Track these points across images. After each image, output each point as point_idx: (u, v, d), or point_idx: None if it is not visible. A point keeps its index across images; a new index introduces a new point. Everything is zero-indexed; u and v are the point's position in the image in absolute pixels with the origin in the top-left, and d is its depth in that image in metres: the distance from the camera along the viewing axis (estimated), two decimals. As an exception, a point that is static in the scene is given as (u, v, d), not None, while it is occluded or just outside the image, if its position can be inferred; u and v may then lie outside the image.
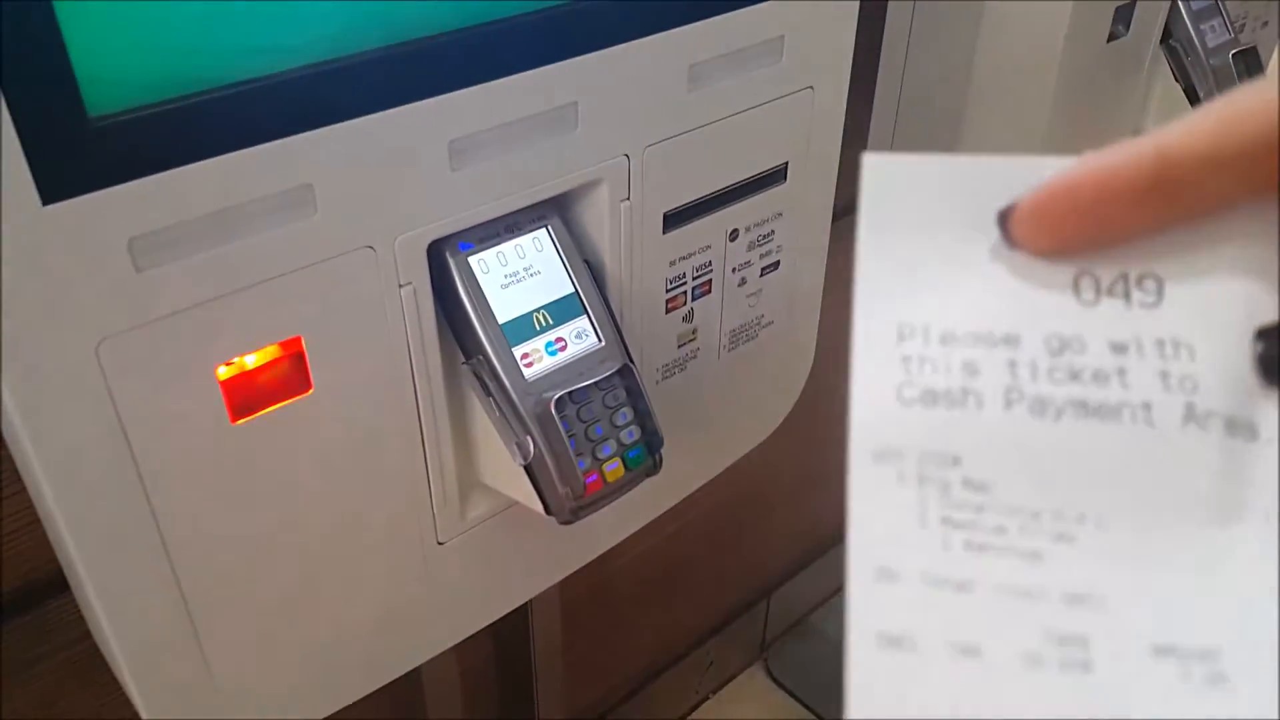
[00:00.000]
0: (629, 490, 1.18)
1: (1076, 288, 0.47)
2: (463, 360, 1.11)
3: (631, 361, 1.17)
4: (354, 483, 1.10)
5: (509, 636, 2.10)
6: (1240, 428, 0.45)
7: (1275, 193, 0.47)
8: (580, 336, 1.15)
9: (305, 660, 1.17)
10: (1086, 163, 0.46)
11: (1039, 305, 0.47)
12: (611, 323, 1.16)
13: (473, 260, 1.09)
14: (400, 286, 1.03)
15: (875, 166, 0.49)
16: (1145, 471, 0.45)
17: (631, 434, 1.18)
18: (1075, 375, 0.46)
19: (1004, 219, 0.48)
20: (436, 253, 1.07)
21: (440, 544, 1.22)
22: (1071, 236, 0.47)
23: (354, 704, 1.26)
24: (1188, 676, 0.42)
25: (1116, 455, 0.45)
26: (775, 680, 2.92)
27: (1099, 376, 0.46)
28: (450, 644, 1.32)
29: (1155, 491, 0.45)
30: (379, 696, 1.91)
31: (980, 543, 0.44)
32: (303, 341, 0.99)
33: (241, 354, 0.95)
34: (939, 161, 0.49)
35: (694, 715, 2.80)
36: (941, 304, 0.48)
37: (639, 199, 1.18)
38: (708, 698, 2.84)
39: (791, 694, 2.88)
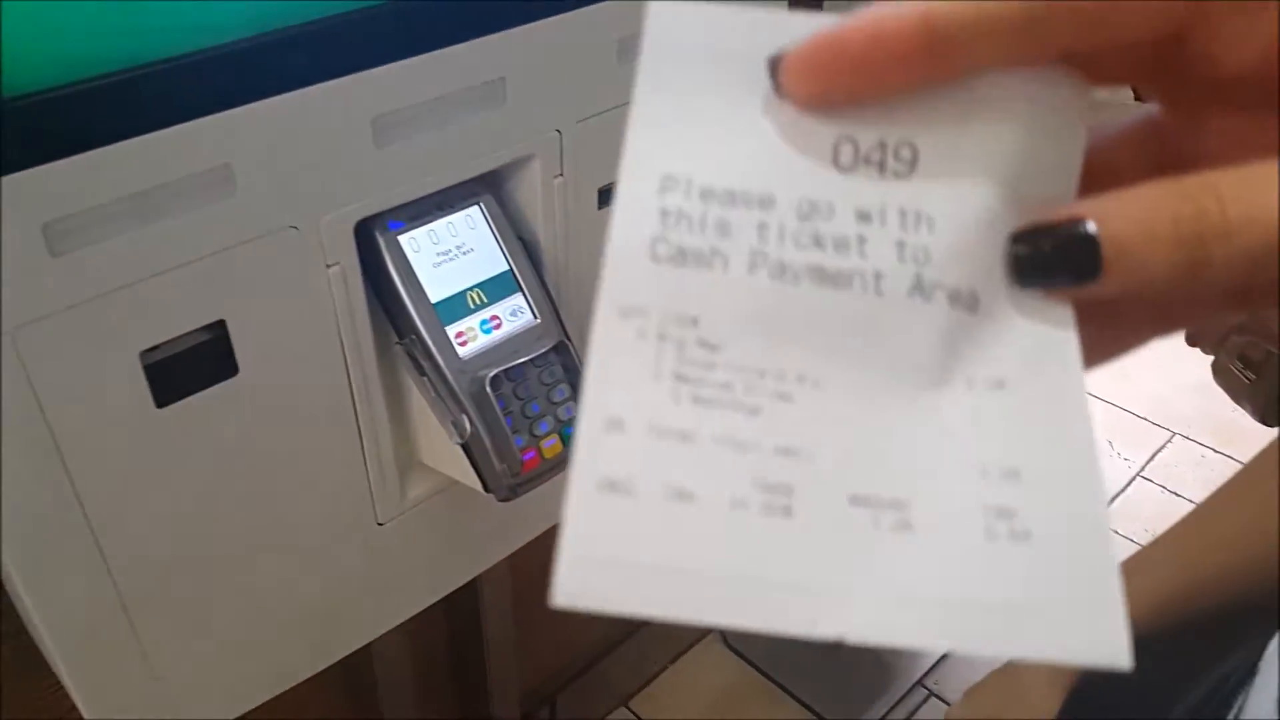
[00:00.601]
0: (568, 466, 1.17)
1: (835, 153, 0.48)
2: (395, 340, 1.10)
3: (568, 338, 1.16)
4: (288, 467, 1.08)
5: (461, 614, 2.09)
6: (962, 300, 0.47)
7: (1041, 64, 0.48)
8: (515, 314, 1.14)
9: (249, 644, 1.16)
10: (859, 16, 0.46)
11: (796, 168, 0.48)
12: (548, 300, 1.15)
13: (403, 239, 1.07)
14: (328, 267, 1.01)
15: (660, 12, 0.49)
16: (868, 338, 0.47)
17: (569, 410, 1.17)
18: (819, 241, 0.47)
19: (774, 66, 0.48)
20: (365, 232, 1.05)
21: (380, 525, 1.21)
22: (835, 87, 0.47)
23: (309, 688, 1.24)
24: (877, 523, 0.45)
25: (844, 321, 0.47)
26: (732, 648, 2.91)
27: (840, 244, 0.47)
28: (396, 622, 1.31)
29: (874, 357, 0.47)
30: (331, 678, 1.90)
31: (707, 397, 0.46)
32: (227, 325, 0.97)
33: (164, 339, 0.94)
34: (727, 11, 0.49)
35: (652, 685, 2.80)
36: (707, 157, 0.48)
37: (572, 175, 1.17)
38: (665, 668, 2.84)
39: (749, 661, 2.88)
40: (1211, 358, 1.79)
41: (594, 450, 0.45)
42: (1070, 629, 0.44)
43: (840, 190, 0.48)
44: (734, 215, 0.48)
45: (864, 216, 0.48)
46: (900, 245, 0.48)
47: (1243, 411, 1.79)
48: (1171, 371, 3.99)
